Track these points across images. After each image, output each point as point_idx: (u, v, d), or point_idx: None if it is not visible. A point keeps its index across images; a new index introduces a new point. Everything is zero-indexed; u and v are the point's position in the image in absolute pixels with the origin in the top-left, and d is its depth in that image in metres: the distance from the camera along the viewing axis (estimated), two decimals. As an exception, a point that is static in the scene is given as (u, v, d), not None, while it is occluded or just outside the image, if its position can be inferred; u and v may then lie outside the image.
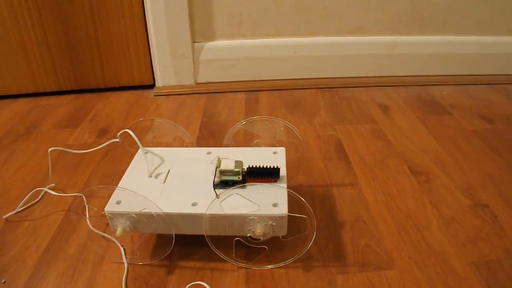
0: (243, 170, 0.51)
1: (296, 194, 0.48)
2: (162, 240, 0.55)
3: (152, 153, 0.59)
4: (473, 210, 0.60)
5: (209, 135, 0.82)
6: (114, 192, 0.50)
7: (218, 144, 0.78)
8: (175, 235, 0.49)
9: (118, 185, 0.51)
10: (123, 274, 0.49)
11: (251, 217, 0.46)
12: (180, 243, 0.53)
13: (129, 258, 0.52)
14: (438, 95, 1.00)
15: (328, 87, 1.05)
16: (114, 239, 0.54)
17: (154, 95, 1.02)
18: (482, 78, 1.07)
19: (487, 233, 0.55)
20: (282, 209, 0.46)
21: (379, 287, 0.47)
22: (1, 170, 0.71)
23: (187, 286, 0.48)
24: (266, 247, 0.51)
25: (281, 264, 0.50)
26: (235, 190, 0.49)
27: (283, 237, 0.49)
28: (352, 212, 0.59)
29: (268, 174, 0.50)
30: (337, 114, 0.90)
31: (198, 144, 0.79)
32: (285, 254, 0.52)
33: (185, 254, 0.52)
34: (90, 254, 0.53)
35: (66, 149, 0.63)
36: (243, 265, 0.50)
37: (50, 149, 0.64)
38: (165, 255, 0.52)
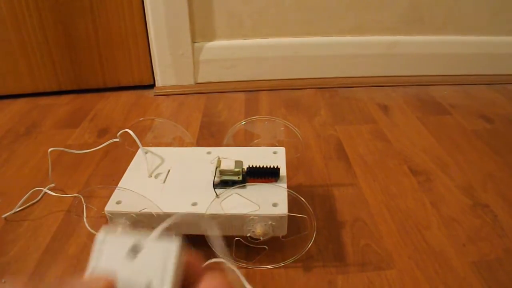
0: (243, 170, 0.51)
1: (296, 194, 0.48)
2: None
3: (152, 153, 0.59)
4: (473, 210, 0.60)
5: (209, 135, 0.82)
6: (114, 192, 0.50)
7: (218, 144, 0.78)
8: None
9: (118, 185, 0.51)
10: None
11: (251, 217, 0.46)
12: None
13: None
14: (438, 95, 1.00)
15: (328, 87, 1.05)
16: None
17: (154, 95, 1.02)
18: (482, 78, 1.07)
19: (487, 233, 0.55)
20: (282, 209, 0.46)
21: (379, 287, 0.47)
22: (1, 170, 0.71)
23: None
24: (266, 247, 0.51)
25: (281, 264, 0.50)
26: (235, 190, 0.49)
27: (283, 237, 0.49)
28: (352, 212, 0.59)
29: (268, 174, 0.50)
30: (337, 114, 0.90)
31: (198, 144, 0.79)
32: (285, 254, 0.52)
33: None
34: (90, 254, 0.53)
35: (66, 149, 0.63)
36: (243, 265, 0.50)
37: (50, 149, 0.64)
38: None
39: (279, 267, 0.50)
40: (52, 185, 0.66)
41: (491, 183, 0.66)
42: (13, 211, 0.60)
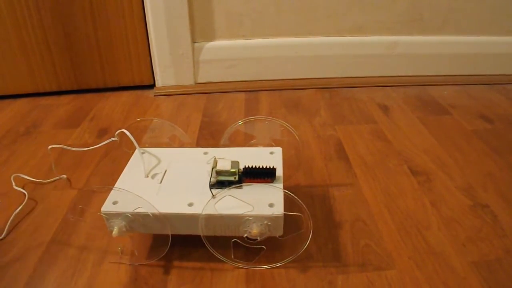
0: (239, 170, 0.50)
1: (291, 194, 0.48)
2: (161, 241, 0.55)
3: (149, 153, 0.59)
4: (473, 210, 0.60)
5: (209, 135, 0.82)
6: (111, 193, 0.49)
7: (218, 144, 0.78)
8: (175, 235, 0.49)
9: (115, 186, 0.51)
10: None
11: (246, 217, 0.46)
12: (180, 243, 0.53)
13: (129, 258, 0.52)
14: (438, 95, 0.99)
15: (328, 87, 1.05)
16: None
17: (154, 95, 1.02)
18: (482, 78, 1.07)
19: (487, 233, 0.55)
20: (278, 209, 0.46)
21: (379, 287, 0.47)
22: (1, 170, 0.71)
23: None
24: (264, 247, 0.51)
25: (278, 264, 0.50)
26: (231, 190, 0.49)
27: (280, 237, 0.49)
28: (352, 212, 0.59)
29: (264, 174, 0.50)
30: (337, 114, 0.90)
31: (198, 144, 0.79)
32: (285, 254, 0.52)
33: (184, 254, 0.52)
34: (90, 254, 0.53)
35: (65, 147, 0.63)
36: (241, 265, 0.50)
37: (50, 147, 0.63)
38: (163, 254, 0.52)
39: (279, 267, 0.50)
40: (64, 176, 0.66)
41: (491, 183, 0.66)
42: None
